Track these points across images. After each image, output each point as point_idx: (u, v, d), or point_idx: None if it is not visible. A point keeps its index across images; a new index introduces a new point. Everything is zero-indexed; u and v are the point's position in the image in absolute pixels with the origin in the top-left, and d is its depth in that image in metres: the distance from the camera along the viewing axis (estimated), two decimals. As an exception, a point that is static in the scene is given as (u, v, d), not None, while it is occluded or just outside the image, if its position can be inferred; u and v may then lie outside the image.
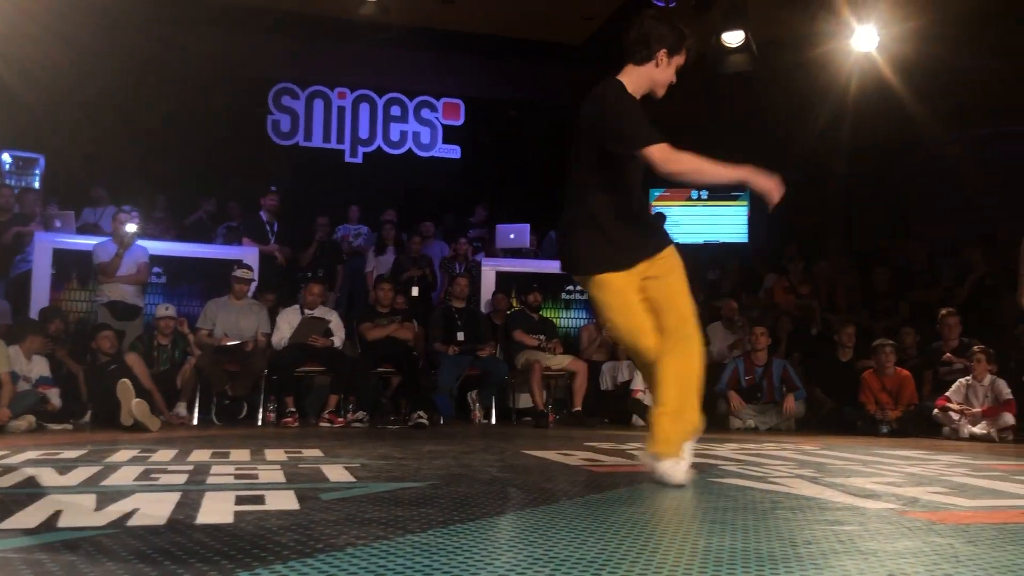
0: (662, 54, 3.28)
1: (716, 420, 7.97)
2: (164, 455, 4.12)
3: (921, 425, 7.01)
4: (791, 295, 9.78)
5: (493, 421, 7.99)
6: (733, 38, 8.57)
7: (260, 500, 2.62)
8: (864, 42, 8.38)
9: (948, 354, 7.61)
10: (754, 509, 2.58)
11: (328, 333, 7.68)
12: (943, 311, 7.82)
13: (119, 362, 6.90)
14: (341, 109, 12.60)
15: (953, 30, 8.69)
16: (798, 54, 9.05)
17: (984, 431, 6.63)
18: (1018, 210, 9.42)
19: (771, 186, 3.17)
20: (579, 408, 7.93)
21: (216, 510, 2.41)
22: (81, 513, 2.36)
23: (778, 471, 3.71)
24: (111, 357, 7.00)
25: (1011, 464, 4.43)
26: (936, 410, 6.96)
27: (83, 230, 9.03)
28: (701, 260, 11.89)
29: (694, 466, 3.74)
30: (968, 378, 6.96)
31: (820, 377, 8.32)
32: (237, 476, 3.28)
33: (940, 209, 10.74)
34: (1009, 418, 6.60)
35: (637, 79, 3.31)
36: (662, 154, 3.10)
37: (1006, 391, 6.74)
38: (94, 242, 8.01)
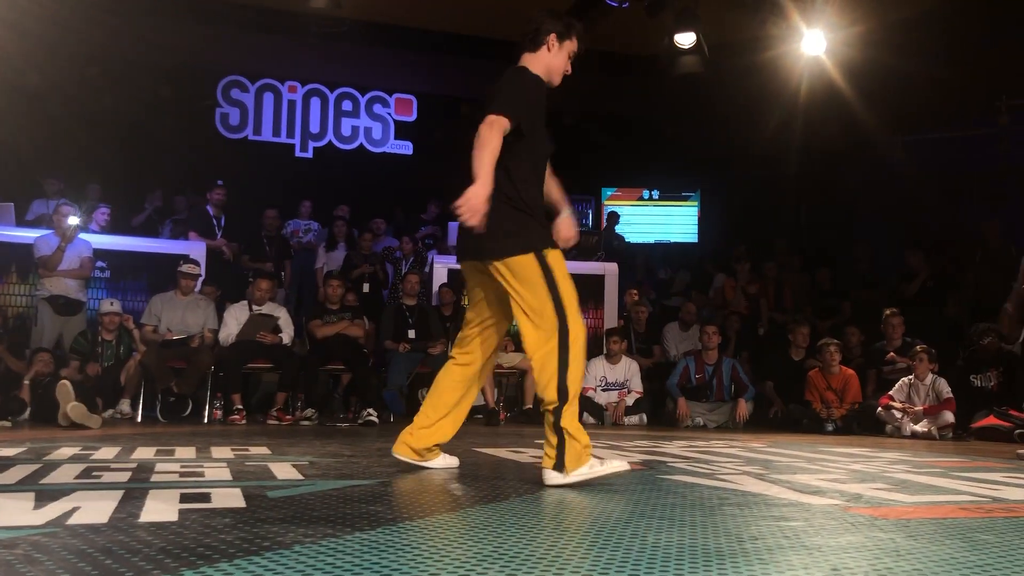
0: (552, 39, 3.42)
1: (666, 417, 8.05)
2: (107, 452, 4.04)
3: (865, 423, 7.14)
4: (740, 294, 9.90)
5: (444, 419, 7.95)
6: (685, 40, 8.64)
7: (206, 498, 2.58)
8: (813, 46, 8.51)
9: (892, 353, 7.78)
10: (702, 505, 2.61)
11: (277, 330, 7.59)
12: (887, 311, 7.97)
13: (56, 378, 6.74)
14: (291, 103, 12.45)
15: (898, 35, 8.87)
16: (749, 57, 9.16)
17: (925, 429, 6.78)
18: (960, 213, 9.66)
19: (467, 201, 3.02)
20: (530, 406, 7.94)
21: (160, 508, 2.36)
22: (19, 512, 2.30)
23: (726, 468, 3.75)
24: (48, 375, 6.86)
25: (950, 461, 4.54)
26: (880, 408, 7.09)
27: (34, 222, 8.80)
28: (652, 260, 12.02)
29: (645, 463, 3.78)
30: (910, 377, 7.10)
31: (772, 376, 8.43)
32: (182, 474, 3.22)
33: (885, 211, 10.96)
34: (949, 416, 6.76)
35: (533, 66, 3.42)
36: (491, 120, 3.16)
37: (946, 390, 6.89)
38: (35, 235, 7.82)
